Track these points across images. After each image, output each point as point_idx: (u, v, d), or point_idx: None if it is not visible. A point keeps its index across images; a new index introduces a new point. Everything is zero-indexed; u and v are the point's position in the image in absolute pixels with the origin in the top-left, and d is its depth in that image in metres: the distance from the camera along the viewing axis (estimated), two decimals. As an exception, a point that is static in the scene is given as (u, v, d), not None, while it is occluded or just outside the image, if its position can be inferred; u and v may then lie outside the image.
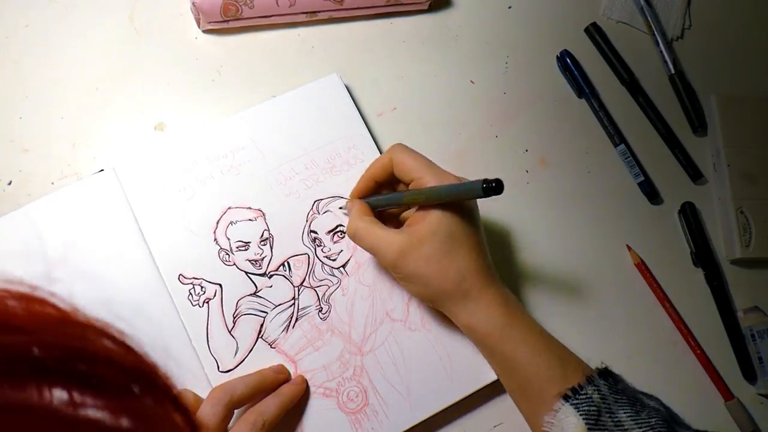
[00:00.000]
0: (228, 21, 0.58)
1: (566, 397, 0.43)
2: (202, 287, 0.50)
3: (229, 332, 0.50)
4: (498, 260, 0.57)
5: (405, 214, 0.51)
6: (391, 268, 0.47)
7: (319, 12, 0.59)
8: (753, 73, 0.67)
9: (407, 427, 0.50)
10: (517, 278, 0.57)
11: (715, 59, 0.67)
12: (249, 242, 0.52)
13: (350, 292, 0.52)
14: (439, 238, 0.45)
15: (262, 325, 0.51)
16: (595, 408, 0.42)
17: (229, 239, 0.52)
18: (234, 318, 0.50)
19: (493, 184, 0.40)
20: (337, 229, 0.54)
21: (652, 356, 0.57)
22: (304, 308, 0.52)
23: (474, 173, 0.59)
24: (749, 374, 0.57)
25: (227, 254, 0.52)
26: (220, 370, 0.49)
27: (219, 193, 0.53)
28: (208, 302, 0.50)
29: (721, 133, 0.62)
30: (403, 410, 0.50)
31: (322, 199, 0.54)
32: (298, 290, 0.52)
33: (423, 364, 0.51)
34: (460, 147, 0.60)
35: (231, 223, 0.52)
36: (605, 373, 0.46)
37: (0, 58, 0.56)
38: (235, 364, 0.50)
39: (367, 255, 0.52)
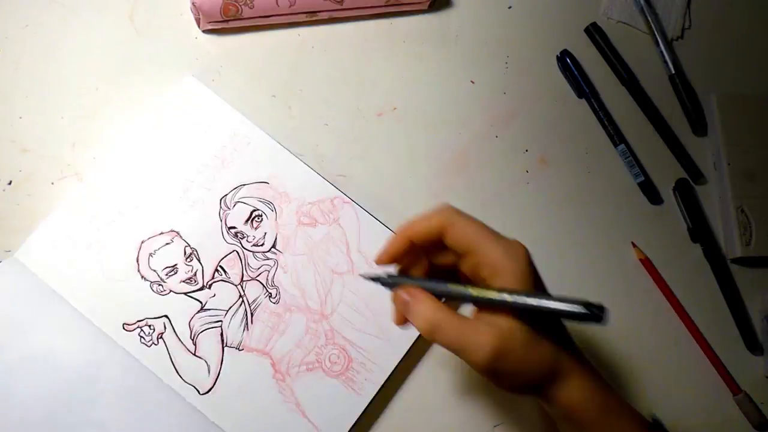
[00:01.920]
0: (228, 21, 0.58)
1: None
2: (149, 326, 0.50)
3: (194, 355, 0.50)
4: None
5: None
6: (482, 370, 0.39)
7: (319, 12, 0.59)
8: (753, 73, 0.67)
9: (395, 363, 0.51)
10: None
11: (715, 59, 0.67)
12: (175, 264, 0.52)
13: (290, 267, 0.53)
14: (524, 331, 0.38)
15: (222, 334, 0.51)
16: None
17: (155, 270, 0.52)
18: (193, 340, 0.51)
19: (597, 312, 0.34)
20: (253, 216, 0.54)
21: (658, 352, 0.57)
22: (253, 301, 0.52)
23: (474, 173, 0.59)
24: (752, 345, 0.59)
25: (160, 285, 0.51)
26: (201, 393, 0.50)
27: (126, 233, 0.52)
28: (161, 337, 0.50)
29: (721, 133, 0.63)
30: (386, 351, 0.52)
31: (227, 195, 0.54)
32: (242, 287, 0.52)
33: (386, 301, 0.50)
34: (460, 147, 0.60)
35: (150, 254, 0.52)
36: (657, 426, 0.43)
37: (0, 58, 0.56)
38: (213, 382, 0.50)
39: (289, 227, 0.53)
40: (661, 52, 0.65)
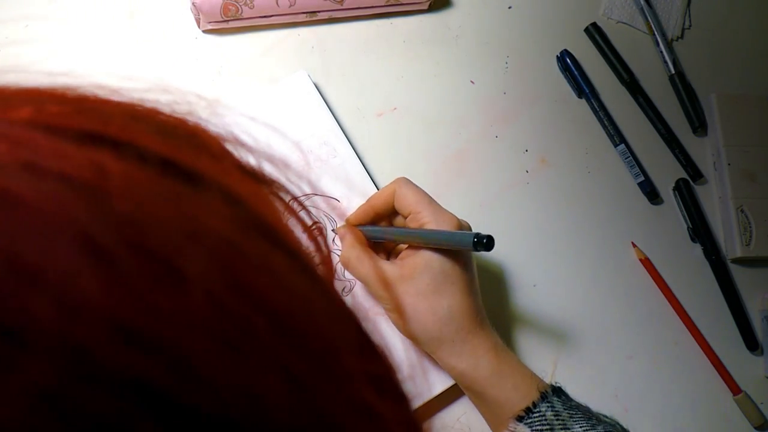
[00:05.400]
0: (228, 21, 0.58)
1: (520, 418, 0.43)
2: None
3: None
4: (499, 260, 0.57)
5: (399, 247, 0.51)
6: (379, 299, 0.48)
7: (319, 12, 0.59)
8: (753, 73, 0.67)
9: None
10: (518, 278, 0.57)
11: (715, 59, 0.67)
12: None
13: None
14: (430, 273, 0.45)
15: None
16: (547, 424, 0.42)
17: None
18: None
19: (484, 240, 0.41)
20: (314, 227, 0.53)
21: (658, 352, 0.57)
22: None
23: (474, 173, 0.59)
24: (752, 345, 0.59)
25: None
26: None
27: None
28: None
29: (721, 133, 0.62)
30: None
31: (297, 197, 0.54)
32: None
33: (411, 353, 0.51)
34: (460, 147, 0.60)
35: None
36: (559, 391, 0.45)
37: (0, 58, 0.56)
38: None
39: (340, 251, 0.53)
40: (661, 52, 0.65)
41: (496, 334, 0.47)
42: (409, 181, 0.49)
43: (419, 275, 0.45)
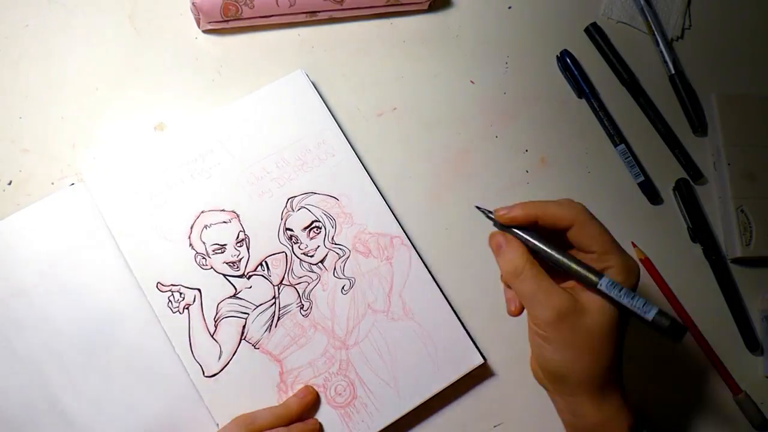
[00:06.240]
0: (228, 21, 0.58)
1: None
2: (180, 293, 0.50)
3: (212, 336, 0.50)
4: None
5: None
6: (541, 324, 0.41)
7: (319, 12, 0.59)
8: (753, 73, 0.67)
9: (397, 417, 0.50)
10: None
11: (715, 59, 0.67)
12: (225, 244, 0.52)
13: (330, 287, 0.53)
14: (606, 317, 0.41)
15: (244, 327, 0.51)
16: None
17: (204, 243, 0.52)
18: (215, 322, 0.50)
19: (678, 329, 0.39)
20: (313, 225, 0.54)
21: (658, 352, 0.57)
22: (285, 306, 0.52)
23: (474, 173, 0.59)
24: (752, 345, 0.59)
25: (204, 258, 0.52)
26: (206, 375, 0.49)
27: (191, 198, 0.53)
28: (188, 308, 0.50)
29: (721, 133, 0.63)
30: (392, 400, 0.50)
31: (295, 197, 0.54)
32: (278, 289, 0.52)
33: (408, 353, 0.52)
34: (460, 147, 0.60)
35: (205, 226, 0.52)
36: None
37: (0, 58, 0.56)
38: (220, 368, 0.50)
39: (343, 248, 0.53)
40: (661, 52, 0.65)
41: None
42: (589, 211, 0.43)
43: (593, 315, 0.41)
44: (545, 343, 0.42)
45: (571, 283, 0.43)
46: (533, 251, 0.43)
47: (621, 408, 0.42)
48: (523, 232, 0.43)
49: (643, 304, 0.40)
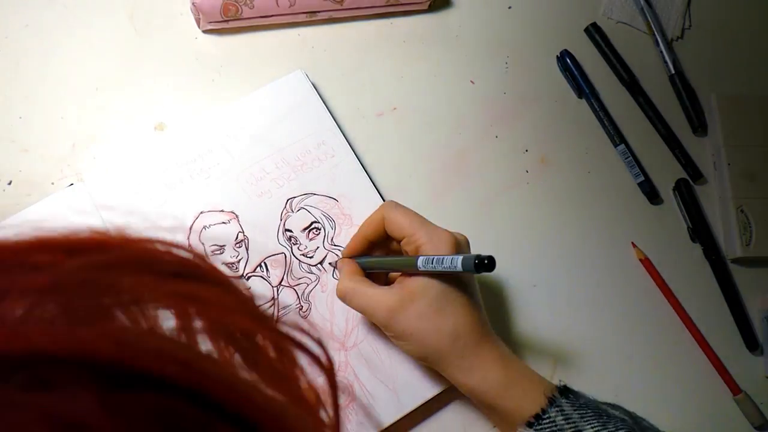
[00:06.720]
0: (228, 21, 0.58)
1: (530, 424, 0.43)
2: None
3: None
4: (499, 261, 0.57)
5: (393, 274, 0.50)
6: (383, 327, 0.46)
7: (319, 12, 0.59)
8: (753, 73, 0.67)
9: (395, 419, 0.50)
10: (518, 279, 0.57)
11: (715, 59, 0.67)
12: (224, 245, 0.52)
13: (330, 288, 0.52)
14: (431, 294, 0.44)
15: None
16: (558, 429, 0.42)
17: (203, 244, 0.52)
18: None
19: (485, 261, 0.40)
20: (312, 227, 0.53)
21: (658, 352, 0.57)
22: (284, 308, 0.52)
23: (474, 173, 0.59)
24: (752, 345, 0.59)
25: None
26: None
27: (190, 198, 0.52)
28: None
29: (721, 133, 0.62)
30: (391, 403, 0.50)
31: (294, 197, 0.54)
32: (277, 290, 0.52)
33: (408, 356, 0.51)
34: (460, 147, 0.60)
35: (204, 227, 0.52)
36: (566, 391, 0.45)
37: (0, 58, 0.56)
38: None
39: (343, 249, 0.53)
40: (661, 52, 0.65)
41: (501, 344, 0.46)
42: (397, 203, 0.48)
43: (420, 298, 0.44)
44: (397, 341, 0.46)
45: (402, 278, 0.46)
46: (368, 269, 0.48)
47: (494, 362, 0.44)
48: (358, 259, 0.49)
49: (450, 262, 0.42)
